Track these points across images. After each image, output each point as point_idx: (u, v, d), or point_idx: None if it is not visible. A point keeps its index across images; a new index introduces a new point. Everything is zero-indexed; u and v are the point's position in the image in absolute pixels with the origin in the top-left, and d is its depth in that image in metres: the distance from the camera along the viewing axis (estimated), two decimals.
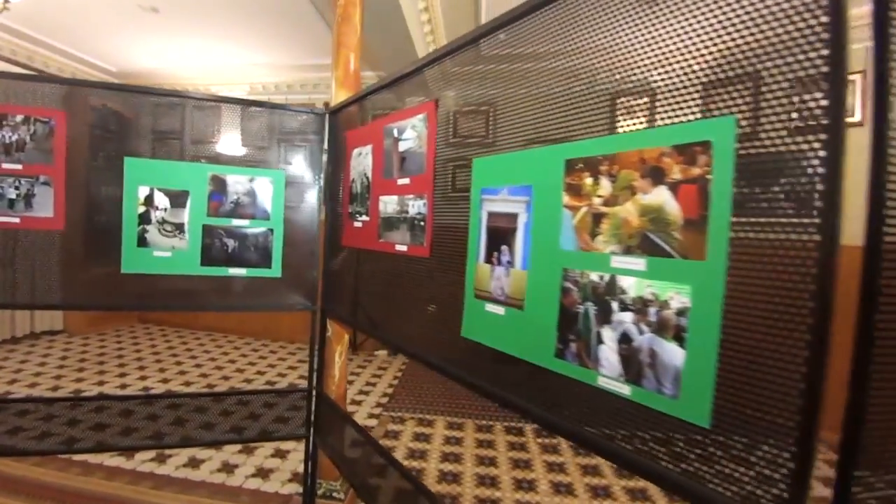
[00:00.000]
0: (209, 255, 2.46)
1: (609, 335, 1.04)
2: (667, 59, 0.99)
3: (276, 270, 2.55)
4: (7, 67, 4.48)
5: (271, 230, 2.54)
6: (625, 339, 1.01)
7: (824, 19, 0.75)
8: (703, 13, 0.91)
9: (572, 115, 1.18)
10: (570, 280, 1.14)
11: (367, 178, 2.14)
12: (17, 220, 2.28)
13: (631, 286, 1.00)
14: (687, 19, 0.94)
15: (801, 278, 0.77)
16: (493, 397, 1.40)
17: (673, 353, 0.92)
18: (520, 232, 1.30)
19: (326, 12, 4.65)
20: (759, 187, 0.84)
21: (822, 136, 0.76)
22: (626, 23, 1.05)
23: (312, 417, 2.69)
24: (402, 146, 1.88)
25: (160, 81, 7.10)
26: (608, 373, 1.04)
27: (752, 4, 0.84)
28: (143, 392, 4.52)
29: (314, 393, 2.69)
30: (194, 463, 3.24)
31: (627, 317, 1.00)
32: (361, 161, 2.20)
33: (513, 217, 1.33)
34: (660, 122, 1.01)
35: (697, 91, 0.94)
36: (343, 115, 2.50)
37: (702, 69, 0.93)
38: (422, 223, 1.75)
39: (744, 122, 0.85)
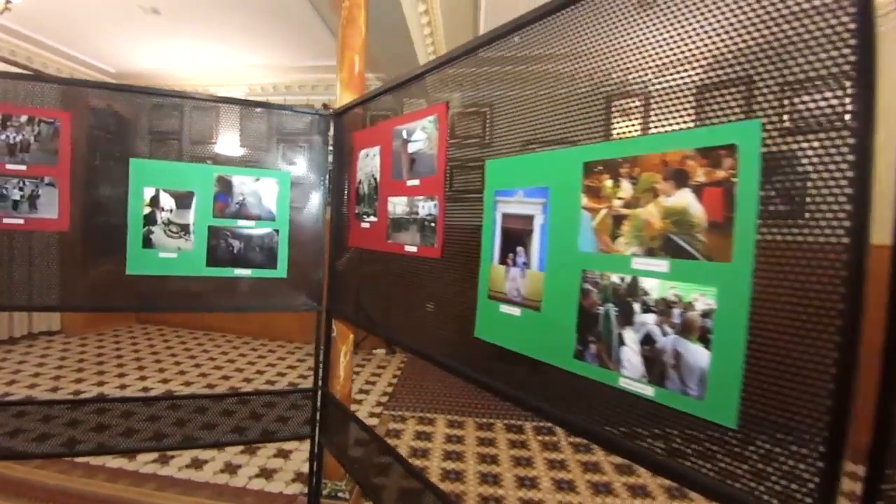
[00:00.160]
0: (215, 256, 2.45)
1: (631, 336, 1.05)
2: (688, 61, 0.99)
3: (281, 271, 2.55)
4: (6, 68, 4.45)
5: (277, 231, 2.54)
6: (647, 340, 1.01)
7: (851, 19, 0.76)
8: (724, 15, 0.92)
9: (590, 119, 1.19)
10: (590, 281, 1.14)
11: (375, 179, 2.14)
12: (21, 221, 2.26)
13: (653, 288, 1.01)
14: (709, 21, 0.94)
15: (830, 280, 0.78)
16: (507, 397, 1.41)
17: (698, 355, 0.93)
18: (536, 233, 1.31)
19: (326, 14, 4.65)
20: (786, 189, 0.84)
21: (851, 141, 0.76)
22: (645, 25, 1.05)
23: (318, 417, 2.68)
24: (412, 148, 1.88)
25: (158, 82, 7.08)
26: (630, 374, 1.05)
27: (774, 6, 0.85)
28: (142, 392, 4.51)
29: (319, 393, 2.69)
30: (197, 464, 3.23)
31: (650, 318, 1.01)
32: (369, 162, 2.20)
33: (528, 219, 1.33)
34: (677, 126, 1.01)
35: (721, 94, 0.94)
36: (349, 116, 2.50)
37: (725, 71, 0.94)
38: (432, 224, 1.75)
39: (769, 126, 0.86)
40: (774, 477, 0.85)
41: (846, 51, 0.76)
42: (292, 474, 3.18)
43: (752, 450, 0.87)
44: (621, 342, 1.07)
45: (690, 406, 0.94)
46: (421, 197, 1.82)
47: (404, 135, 1.93)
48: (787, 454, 0.83)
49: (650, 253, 1.01)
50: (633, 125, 1.11)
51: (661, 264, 0.99)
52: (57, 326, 6.21)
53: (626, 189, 1.07)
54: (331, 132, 2.64)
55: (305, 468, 3.19)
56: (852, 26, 0.76)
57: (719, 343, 0.90)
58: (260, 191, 2.51)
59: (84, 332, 6.29)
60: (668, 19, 1.01)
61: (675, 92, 1.02)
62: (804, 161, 0.82)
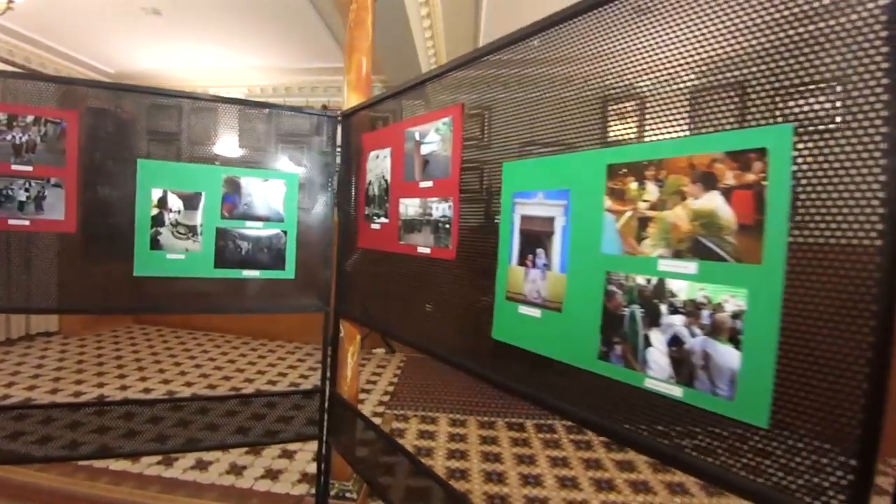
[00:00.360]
0: (223, 257, 2.45)
1: (658, 338, 1.06)
2: (715, 64, 1.00)
3: (289, 272, 2.55)
4: (3, 69, 4.42)
5: (284, 232, 2.53)
6: (675, 341, 1.03)
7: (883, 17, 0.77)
8: (750, 16, 0.93)
9: (611, 121, 1.20)
10: (615, 283, 1.15)
11: (386, 180, 2.15)
12: (27, 222, 2.25)
13: (681, 289, 1.02)
14: (734, 22, 0.96)
15: (863, 282, 0.79)
16: (525, 397, 1.41)
17: (728, 355, 0.94)
18: (557, 235, 1.32)
19: (328, 17, 4.65)
20: (818, 192, 0.85)
21: (883, 146, 0.78)
22: (669, 26, 1.06)
23: (325, 418, 2.69)
24: (425, 149, 1.89)
25: (156, 83, 7.05)
26: (657, 375, 1.06)
27: (803, 8, 0.86)
28: (144, 394, 4.49)
29: (327, 393, 2.69)
30: (202, 465, 3.23)
31: (678, 319, 1.02)
32: (379, 164, 2.20)
33: (549, 220, 1.34)
34: (704, 130, 1.02)
35: (750, 97, 0.96)
36: (357, 118, 2.51)
37: (753, 73, 0.95)
38: (447, 226, 1.76)
39: (800, 130, 0.87)
40: (807, 475, 0.86)
41: (882, 48, 0.77)
42: (298, 475, 3.18)
43: (783, 448, 0.89)
44: (648, 343, 1.08)
45: (720, 406, 0.95)
46: (434, 198, 1.83)
47: (417, 136, 1.93)
48: (819, 452, 0.84)
49: (677, 255, 1.03)
50: (656, 128, 1.12)
51: (690, 266, 1.00)
52: (55, 327, 6.17)
53: (653, 191, 1.08)
54: (337, 133, 2.65)
55: (310, 468, 3.20)
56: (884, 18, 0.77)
57: (750, 344, 0.91)
58: (268, 192, 2.50)
59: (82, 334, 6.25)
60: (695, 21, 1.02)
61: (699, 95, 1.03)
62: (836, 164, 0.83)
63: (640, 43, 1.12)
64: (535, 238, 1.39)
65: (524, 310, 1.42)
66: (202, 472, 3.16)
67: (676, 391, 1.03)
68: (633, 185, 1.12)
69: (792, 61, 0.89)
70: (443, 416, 4.35)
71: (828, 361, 0.83)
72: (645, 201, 1.09)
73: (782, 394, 0.88)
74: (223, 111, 2.48)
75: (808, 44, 0.87)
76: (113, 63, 6.67)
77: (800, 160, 0.87)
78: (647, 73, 1.12)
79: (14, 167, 2.22)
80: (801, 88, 0.89)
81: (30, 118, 2.23)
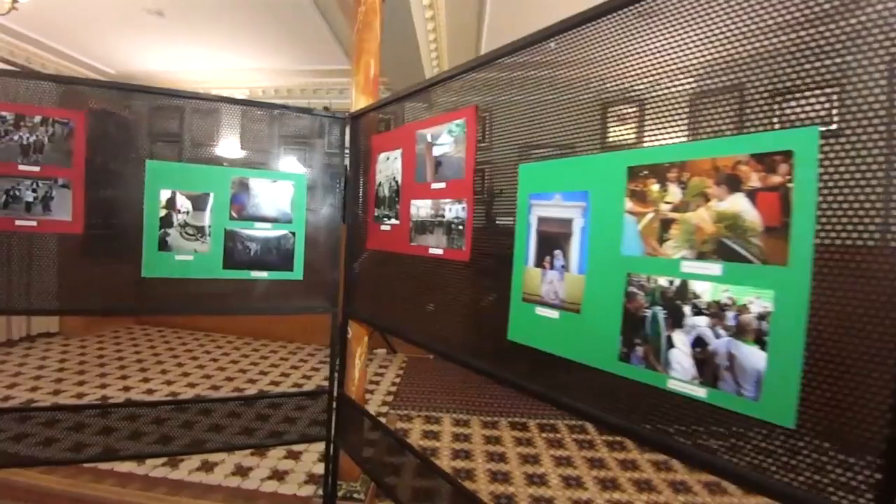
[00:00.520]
0: (231, 258, 2.44)
1: (681, 339, 1.06)
2: (739, 66, 1.01)
3: (297, 273, 2.55)
4: (7, 69, 4.41)
5: (293, 233, 2.53)
6: (699, 342, 1.03)
7: None
8: (774, 18, 0.94)
9: (632, 124, 1.20)
10: (635, 284, 1.16)
11: (397, 182, 2.15)
12: (34, 223, 2.24)
13: (705, 291, 1.02)
14: (758, 24, 0.96)
15: (891, 283, 0.80)
16: (542, 398, 1.42)
17: (754, 356, 0.94)
18: (576, 236, 1.32)
19: (332, 19, 4.65)
20: (844, 194, 0.86)
21: None
22: (690, 28, 1.07)
23: (333, 419, 2.68)
24: (438, 151, 1.89)
25: (157, 84, 7.04)
26: (680, 376, 1.06)
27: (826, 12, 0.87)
28: (147, 395, 4.48)
29: (335, 394, 2.69)
30: (207, 466, 3.22)
31: (702, 321, 1.03)
32: (389, 165, 2.20)
33: (567, 222, 1.35)
34: (728, 132, 1.03)
35: (775, 98, 0.96)
36: (365, 119, 2.51)
37: (778, 75, 0.95)
38: (460, 227, 1.76)
39: (827, 133, 0.88)
40: (833, 475, 0.86)
41: None
42: (304, 475, 3.18)
43: (810, 448, 0.89)
44: (670, 344, 1.08)
45: (745, 406, 0.96)
46: (447, 200, 1.83)
47: (429, 138, 1.94)
48: (847, 452, 0.85)
49: (701, 256, 1.03)
50: (677, 130, 1.13)
51: (714, 267, 1.01)
52: (55, 328, 6.15)
53: (675, 193, 1.08)
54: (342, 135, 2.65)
55: (316, 469, 3.20)
56: None
57: (776, 345, 0.91)
58: (276, 193, 2.50)
59: (83, 334, 6.23)
60: (716, 23, 1.02)
61: (723, 98, 1.04)
62: (863, 166, 0.84)
63: (659, 45, 1.13)
64: (553, 239, 1.39)
65: (541, 311, 1.42)
66: (208, 473, 3.15)
67: (700, 392, 1.03)
68: (655, 187, 1.12)
69: (818, 64, 0.89)
70: (446, 416, 4.36)
71: (855, 362, 0.84)
72: (667, 203, 1.10)
73: (809, 394, 0.88)
74: (232, 112, 2.48)
75: (833, 45, 0.87)
76: (114, 64, 6.66)
77: (826, 162, 0.87)
78: (666, 76, 1.13)
79: (21, 167, 2.21)
80: (828, 90, 0.89)
81: (37, 118, 2.22)
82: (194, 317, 6.61)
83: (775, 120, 0.96)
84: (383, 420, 4.21)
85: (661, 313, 1.10)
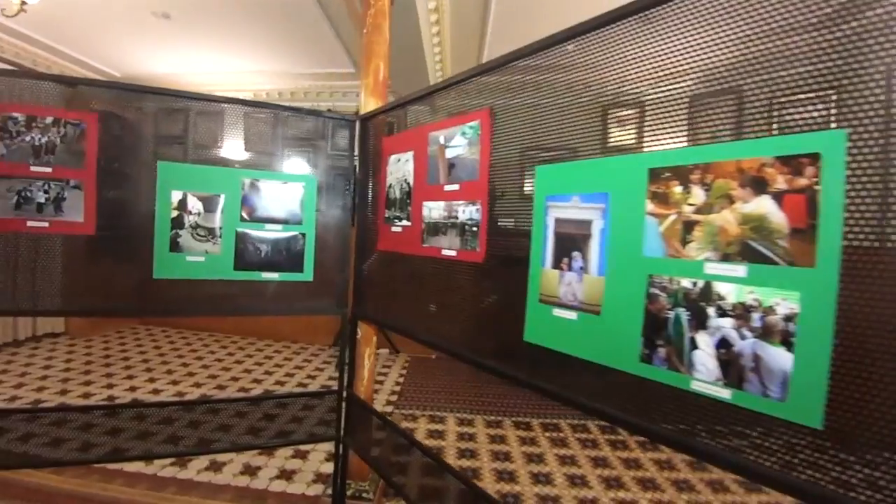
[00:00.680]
0: (242, 259, 2.45)
1: (705, 340, 1.07)
2: (763, 66, 1.01)
3: (307, 274, 2.55)
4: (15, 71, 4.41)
5: (303, 234, 2.54)
6: (723, 344, 1.04)
7: None
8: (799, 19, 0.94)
9: (653, 126, 1.21)
10: (657, 286, 1.16)
11: (408, 183, 2.15)
12: (46, 224, 2.24)
13: (730, 292, 1.03)
14: (782, 25, 0.96)
15: None
16: (559, 399, 1.42)
17: (780, 358, 0.95)
18: (595, 238, 1.33)
19: (338, 21, 4.65)
20: (873, 196, 0.86)
21: None
22: (710, 27, 1.07)
23: (343, 419, 2.69)
24: (451, 153, 1.89)
25: (162, 86, 7.05)
26: (704, 377, 1.07)
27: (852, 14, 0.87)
28: (153, 395, 4.48)
29: (344, 394, 2.69)
30: (216, 466, 3.23)
31: (726, 322, 1.03)
32: (401, 167, 2.21)
33: (586, 224, 1.35)
34: (753, 134, 1.03)
35: (801, 100, 0.97)
36: (375, 121, 2.51)
37: (804, 77, 0.96)
38: (474, 229, 1.77)
39: (854, 136, 0.88)
40: (861, 474, 0.87)
41: None
42: (312, 475, 3.19)
43: (837, 448, 0.90)
44: (694, 346, 1.09)
45: (771, 408, 0.96)
46: (461, 202, 1.84)
47: (441, 140, 1.94)
48: (875, 451, 0.85)
49: (725, 258, 1.04)
50: (701, 132, 1.13)
51: (739, 269, 1.01)
52: (61, 328, 6.15)
53: (698, 195, 1.09)
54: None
55: (324, 468, 3.21)
56: None
57: (803, 346, 0.92)
58: (286, 194, 2.51)
59: (88, 334, 6.24)
60: (737, 23, 1.03)
61: (749, 99, 1.04)
62: (892, 168, 0.84)
63: (681, 46, 1.13)
64: (571, 241, 1.40)
65: (559, 312, 1.42)
66: (216, 472, 3.16)
67: (724, 393, 1.03)
68: (678, 189, 1.12)
69: (845, 67, 0.90)
70: (450, 415, 4.37)
71: (885, 363, 0.84)
72: (690, 205, 1.10)
73: (837, 395, 0.89)
74: (244, 114, 2.48)
75: (859, 46, 0.88)
76: (119, 66, 6.66)
77: (853, 165, 0.88)
78: (687, 78, 1.13)
79: (33, 168, 2.21)
80: (855, 93, 0.89)
81: (49, 119, 2.22)
82: (198, 317, 6.62)
83: (801, 122, 0.97)
84: None
85: (684, 315, 1.11)
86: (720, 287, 1.04)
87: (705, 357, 1.07)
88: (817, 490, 0.92)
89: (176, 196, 2.35)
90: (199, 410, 2.65)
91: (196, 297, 2.44)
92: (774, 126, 1.01)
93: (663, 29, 1.17)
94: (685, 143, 1.16)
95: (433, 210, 1.99)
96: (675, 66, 1.16)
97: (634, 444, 3.93)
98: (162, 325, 6.92)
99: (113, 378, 4.85)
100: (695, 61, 1.11)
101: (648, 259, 1.18)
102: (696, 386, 1.08)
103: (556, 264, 1.44)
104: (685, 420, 1.12)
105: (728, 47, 1.05)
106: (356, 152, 2.63)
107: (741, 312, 1.01)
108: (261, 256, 2.47)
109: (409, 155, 2.15)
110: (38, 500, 2.81)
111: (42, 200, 2.23)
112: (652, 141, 1.22)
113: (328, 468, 3.25)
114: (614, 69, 1.30)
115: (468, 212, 1.80)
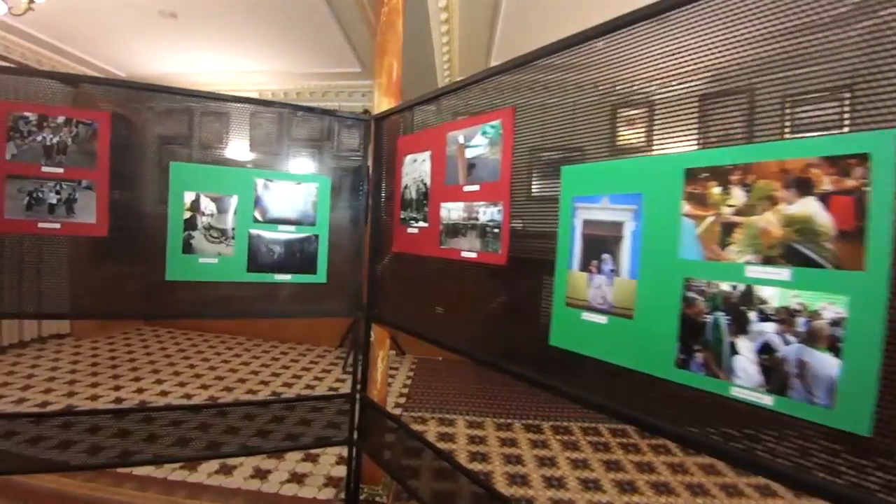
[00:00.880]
0: (256, 261, 2.42)
1: (746, 345, 1.04)
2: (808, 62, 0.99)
3: (321, 276, 2.53)
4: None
5: (316, 236, 2.51)
6: (766, 349, 1.01)
7: None
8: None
9: (691, 125, 1.18)
10: (695, 290, 1.13)
11: (425, 184, 2.13)
12: (58, 225, 2.21)
13: (772, 296, 1.00)
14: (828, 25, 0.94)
15: None
16: (589, 405, 1.40)
17: (827, 363, 0.92)
18: (626, 240, 1.30)
19: (346, 20, 4.63)
20: None
21: None
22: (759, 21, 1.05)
23: (356, 422, 2.66)
24: (471, 153, 1.87)
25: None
26: (745, 383, 1.04)
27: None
28: (161, 396, 4.46)
29: (358, 398, 2.67)
30: (226, 469, 3.20)
31: (769, 327, 1.00)
32: (417, 167, 2.18)
33: (617, 225, 1.32)
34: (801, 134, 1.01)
35: (849, 99, 0.94)
36: (389, 121, 2.49)
37: (852, 75, 0.93)
38: (496, 230, 1.74)
39: None
40: None
41: None
42: (323, 478, 3.16)
43: (886, 456, 0.87)
44: (734, 351, 1.06)
45: (817, 415, 0.94)
46: (482, 203, 1.81)
47: (461, 140, 1.92)
48: None
49: (768, 261, 1.01)
50: (739, 131, 1.11)
51: (782, 272, 0.99)
52: (66, 329, 6.14)
53: (739, 196, 1.06)
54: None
55: (335, 472, 3.18)
56: None
57: (851, 351, 0.89)
58: (299, 195, 2.48)
59: (94, 336, 6.22)
60: (778, 17, 1.00)
61: (797, 97, 1.02)
62: None
63: (718, 41, 1.11)
64: (601, 243, 1.37)
65: (588, 316, 1.40)
66: (227, 476, 3.13)
67: (766, 400, 1.01)
68: (716, 190, 1.10)
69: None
70: (460, 418, 4.35)
71: None
72: (730, 206, 1.07)
73: (887, 401, 0.86)
74: (257, 114, 2.46)
75: None
76: (124, 67, 6.64)
77: None
78: (724, 75, 1.11)
79: (45, 169, 2.18)
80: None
81: (60, 119, 2.19)
82: (209, 319, 6.60)
83: (847, 121, 0.94)
84: None
85: (723, 319, 1.08)
86: (762, 291, 1.02)
87: (746, 363, 1.04)
88: (864, 498, 0.89)
89: (189, 197, 2.33)
90: (205, 413, 2.62)
91: (209, 299, 2.42)
92: (820, 125, 0.99)
93: (706, 21, 1.14)
94: (722, 143, 1.13)
95: (452, 211, 1.96)
96: (712, 62, 1.13)
97: (646, 447, 3.90)
98: (167, 327, 6.91)
99: (120, 380, 4.82)
100: (735, 56, 1.08)
101: (685, 261, 1.16)
102: (736, 392, 1.06)
103: (585, 267, 1.41)
104: (724, 427, 1.10)
105: (776, 39, 1.02)
106: (370, 152, 2.60)
107: (785, 317, 0.98)
108: (274, 258, 2.45)
109: (426, 155, 2.13)
110: None
111: (54, 201, 2.20)
112: (686, 141, 1.20)
113: (339, 471, 3.22)
114: (646, 67, 1.27)
115: (489, 213, 1.77)
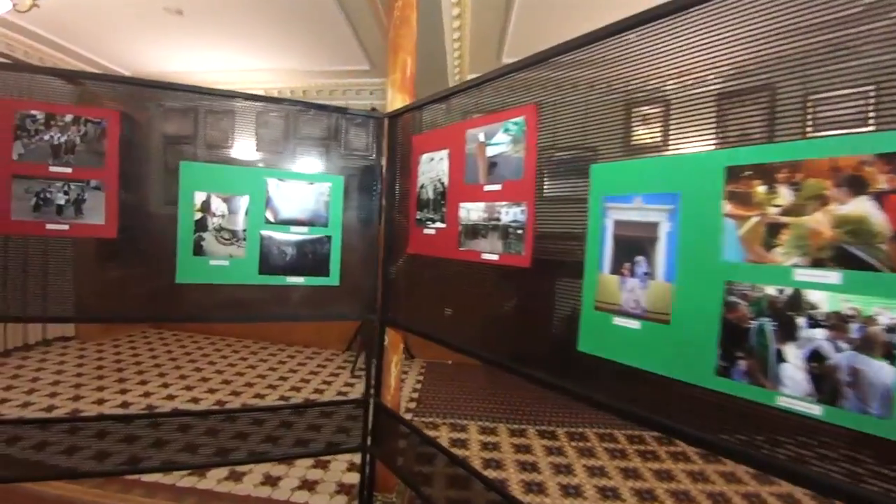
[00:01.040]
0: (267, 263, 2.38)
1: (794, 353, 0.99)
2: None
3: (333, 278, 2.48)
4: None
5: (329, 237, 2.46)
6: (815, 356, 0.96)
7: None
8: None
9: (731, 120, 1.14)
10: (737, 294, 1.08)
11: (443, 183, 2.08)
12: (66, 227, 2.16)
13: (822, 301, 0.95)
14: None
15: None
16: (622, 415, 1.35)
17: (883, 372, 0.87)
18: (662, 242, 1.25)
19: (356, 17, 4.59)
20: None
21: None
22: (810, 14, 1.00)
23: (370, 428, 2.61)
24: (492, 151, 1.82)
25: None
26: (792, 392, 0.99)
27: None
28: (167, 400, 4.42)
29: (371, 403, 2.61)
30: (236, 476, 3.15)
31: (819, 333, 0.95)
32: (434, 166, 2.14)
33: (651, 226, 1.27)
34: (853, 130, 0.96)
35: None
36: (404, 119, 2.44)
37: None
38: (519, 231, 1.69)
39: None
40: None
41: None
42: (335, 485, 3.11)
43: None
44: (780, 358, 1.01)
45: (871, 426, 0.89)
46: (504, 203, 1.76)
47: (481, 137, 1.87)
48: None
49: (817, 264, 0.96)
50: (786, 127, 1.06)
51: (832, 276, 0.94)
52: (71, 332, 6.10)
53: (786, 196, 1.01)
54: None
55: (346, 479, 3.13)
56: None
57: None
58: (312, 195, 2.43)
59: (99, 339, 6.19)
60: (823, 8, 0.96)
61: (843, 91, 0.97)
62: None
63: (763, 31, 1.06)
64: (633, 244, 1.32)
65: (619, 321, 1.35)
66: (237, 482, 3.08)
67: (815, 409, 0.96)
68: (761, 189, 1.05)
69: None
70: (472, 423, 4.29)
71: None
72: (776, 206, 1.02)
73: None
74: (268, 112, 2.41)
75: None
76: (129, 65, 6.61)
77: None
78: (775, 68, 1.06)
79: (52, 169, 2.14)
80: None
81: (68, 117, 2.15)
82: (220, 322, 6.56)
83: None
84: None
85: (769, 325, 1.03)
86: (811, 295, 0.97)
87: (794, 371, 0.99)
88: None
89: (199, 197, 2.28)
90: (214, 418, 2.58)
91: (219, 302, 2.37)
92: (872, 121, 0.94)
93: (751, 8, 1.09)
94: (766, 139, 1.08)
95: (472, 211, 1.92)
96: (751, 53, 1.08)
97: (665, 454, 3.84)
98: (172, 329, 6.87)
99: (126, 384, 4.78)
100: (777, 48, 1.04)
101: (726, 264, 1.11)
102: (782, 402, 1.01)
103: (616, 269, 1.36)
104: (769, 438, 1.05)
105: (822, 31, 0.97)
106: (383, 151, 2.55)
107: (836, 322, 0.93)
108: (286, 260, 2.40)
109: (444, 153, 2.08)
110: None
111: (62, 202, 2.16)
112: (727, 137, 1.15)
113: (350, 478, 3.17)
114: (682, 60, 1.23)
115: (512, 213, 1.72)
